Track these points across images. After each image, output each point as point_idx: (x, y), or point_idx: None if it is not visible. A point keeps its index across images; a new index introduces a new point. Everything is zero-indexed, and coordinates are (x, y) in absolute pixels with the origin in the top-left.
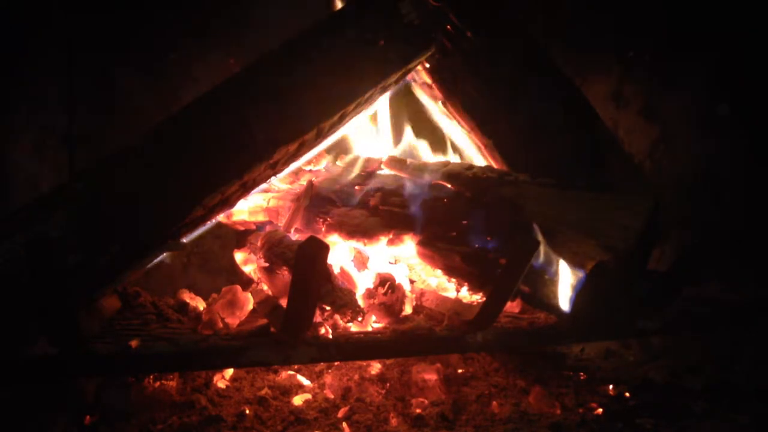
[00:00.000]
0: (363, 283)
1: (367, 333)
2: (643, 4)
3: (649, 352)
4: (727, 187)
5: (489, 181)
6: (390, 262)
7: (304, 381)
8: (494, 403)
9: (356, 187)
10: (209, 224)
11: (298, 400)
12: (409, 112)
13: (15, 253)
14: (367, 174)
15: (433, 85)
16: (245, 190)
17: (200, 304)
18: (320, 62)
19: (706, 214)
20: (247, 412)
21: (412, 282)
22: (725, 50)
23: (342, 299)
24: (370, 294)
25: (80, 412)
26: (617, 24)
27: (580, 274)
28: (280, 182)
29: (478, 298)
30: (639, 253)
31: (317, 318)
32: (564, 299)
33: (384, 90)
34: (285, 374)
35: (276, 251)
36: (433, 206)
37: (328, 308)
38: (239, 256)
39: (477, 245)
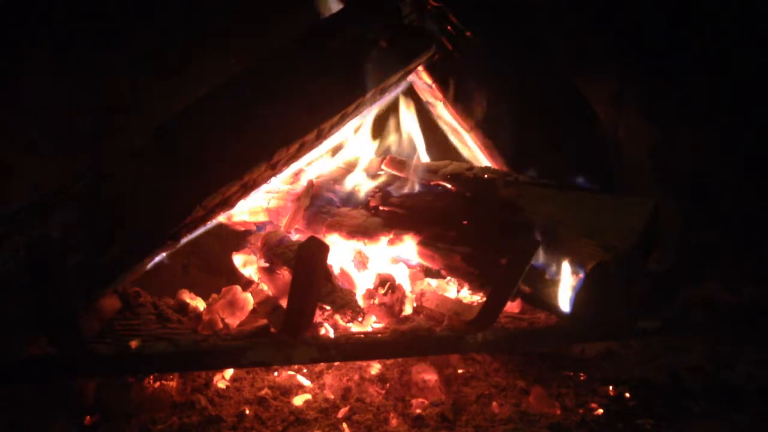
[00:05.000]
0: (363, 283)
1: (367, 333)
2: (644, 5)
3: (649, 352)
4: (727, 187)
5: (489, 181)
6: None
7: (304, 381)
8: (494, 403)
9: (356, 187)
10: (209, 225)
11: (298, 401)
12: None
13: (15, 253)
14: (368, 174)
15: (434, 85)
16: (245, 190)
17: (200, 305)
18: (321, 63)
19: (706, 214)
20: (247, 412)
21: (412, 282)
22: (725, 51)
23: (342, 299)
24: (370, 294)
25: (80, 412)
26: (617, 24)
27: (581, 274)
28: (280, 183)
29: (478, 298)
30: (639, 253)
31: (317, 318)
32: (564, 299)
33: (384, 91)
34: (285, 374)
35: (276, 251)
36: (433, 206)
37: (328, 308)
38: (240, 257)
39: (477, 245)
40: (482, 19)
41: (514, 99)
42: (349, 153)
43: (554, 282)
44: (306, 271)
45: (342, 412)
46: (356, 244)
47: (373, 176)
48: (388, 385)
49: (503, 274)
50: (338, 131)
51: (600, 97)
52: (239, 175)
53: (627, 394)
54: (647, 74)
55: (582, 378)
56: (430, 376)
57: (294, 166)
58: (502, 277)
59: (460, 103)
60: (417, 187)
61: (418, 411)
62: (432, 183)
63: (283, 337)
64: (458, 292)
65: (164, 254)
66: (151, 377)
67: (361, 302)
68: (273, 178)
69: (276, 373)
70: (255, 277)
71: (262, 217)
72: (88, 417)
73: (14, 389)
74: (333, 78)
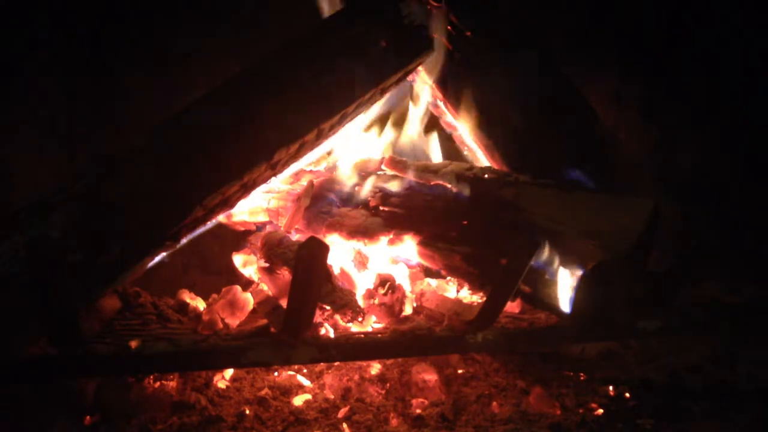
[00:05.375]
0: (363, 283)
1: (367, 333)
2: (644, 5)
3: (649, 352)
4: (727, 187)
5: (489, 181)
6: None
7: (304, 381)
8: (494, 403)
9: (356, 187)
10: (209, 225)
11: (298, 401)
12: (410, 113)
13: (15, 253)
14: (368, 174)
15: (434, 85)
16: (245, 190)
17: (200, 305)
18: (321, 63)
19: (705, 214)
20: (247, 412)
21: (412, 282)
22: (725, 50)
23: (342, 299)
24: (370, 294)
25: (80, 412)
26: (617, 24)
27: (581, 274)
28: (280, 183)
29: (478, 298)
30: (639, 253)
31: (317, 318)
32: (564, 299)
33: (384, 91)
34: (285, 374)
35: (276, 251)
36: (433, 206)
37: (328, 308)
38: (239, 257)
39: (477, 245)
40: (482, 19)
41: (514, 99)
42: (350, 153)
43: (554, 282)
44: (306, 271)
45: (342, 412)
46: (356, 244)
47: (373, 176)
48: (388, 385)
49: (503, 274)
50: (338, 131)
51: (600, 97)
52: (239, 175)
53: (627, 394)
54: (647, 74)
55: (582, 378)
56: (430, 376)
57: (294, 166)
58: (502, 277)
59: (459, 103)
60: (417, 188)
61: (418, 411)
62: (432, 183)
63: (283, 337)
64: (458, 292)
65: (164, 254)
66: (151, 377)
67: (361, 302)
68: (273, 178)
69: (276, 373)
70: (255, 277)
71: (262, 217)
72: (88, 417)
73: (14, 389)
74: (333, 78)
